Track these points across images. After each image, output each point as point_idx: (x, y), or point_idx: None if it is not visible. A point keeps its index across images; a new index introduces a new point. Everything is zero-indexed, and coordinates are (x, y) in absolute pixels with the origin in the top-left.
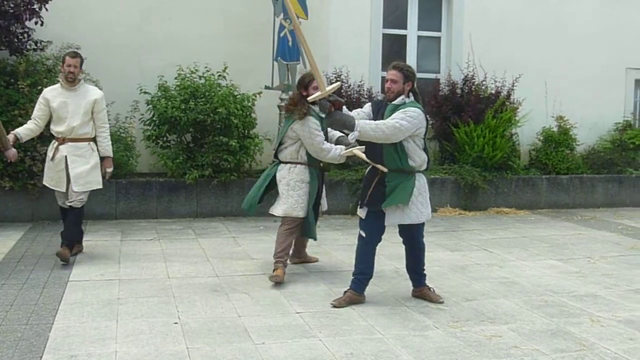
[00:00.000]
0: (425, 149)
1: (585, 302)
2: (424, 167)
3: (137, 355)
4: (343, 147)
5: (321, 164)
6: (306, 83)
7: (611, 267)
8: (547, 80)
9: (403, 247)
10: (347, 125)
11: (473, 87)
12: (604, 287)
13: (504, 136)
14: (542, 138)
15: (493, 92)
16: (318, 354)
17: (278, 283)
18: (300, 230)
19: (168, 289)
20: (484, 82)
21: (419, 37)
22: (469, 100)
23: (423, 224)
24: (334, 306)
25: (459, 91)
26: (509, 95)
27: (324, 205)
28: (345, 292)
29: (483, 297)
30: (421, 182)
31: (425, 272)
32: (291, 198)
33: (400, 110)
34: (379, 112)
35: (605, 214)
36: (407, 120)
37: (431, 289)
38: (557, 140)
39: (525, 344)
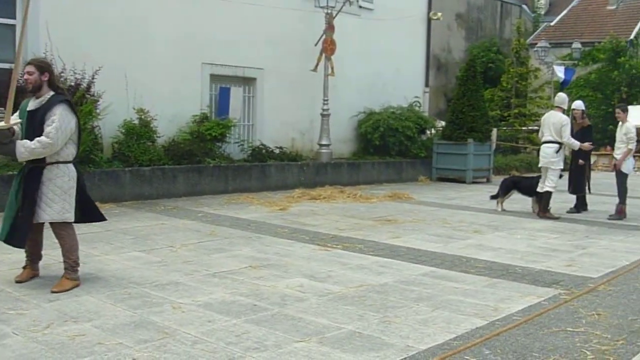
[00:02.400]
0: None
1: (167, 290)
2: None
3: None
4: None
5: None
6: None
7: (191, 253)
8: (128, 74)
9: None
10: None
11: None
12: (184, 273)
13: (85, 129)
14: (124, 131)
15: (73, 84)
16: None
17: None
18: None
19: None
20: (62, 74)
21: None
22: None
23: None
24: None
25: None
26: (89, 88)
27: (39, 215)
28: None
29: (65, 296)
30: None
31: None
32: None
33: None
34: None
35: (187, 203)
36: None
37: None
38: (139, 132)
39: (109, 339)
